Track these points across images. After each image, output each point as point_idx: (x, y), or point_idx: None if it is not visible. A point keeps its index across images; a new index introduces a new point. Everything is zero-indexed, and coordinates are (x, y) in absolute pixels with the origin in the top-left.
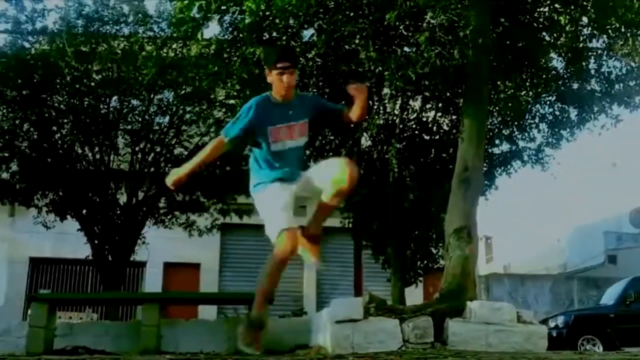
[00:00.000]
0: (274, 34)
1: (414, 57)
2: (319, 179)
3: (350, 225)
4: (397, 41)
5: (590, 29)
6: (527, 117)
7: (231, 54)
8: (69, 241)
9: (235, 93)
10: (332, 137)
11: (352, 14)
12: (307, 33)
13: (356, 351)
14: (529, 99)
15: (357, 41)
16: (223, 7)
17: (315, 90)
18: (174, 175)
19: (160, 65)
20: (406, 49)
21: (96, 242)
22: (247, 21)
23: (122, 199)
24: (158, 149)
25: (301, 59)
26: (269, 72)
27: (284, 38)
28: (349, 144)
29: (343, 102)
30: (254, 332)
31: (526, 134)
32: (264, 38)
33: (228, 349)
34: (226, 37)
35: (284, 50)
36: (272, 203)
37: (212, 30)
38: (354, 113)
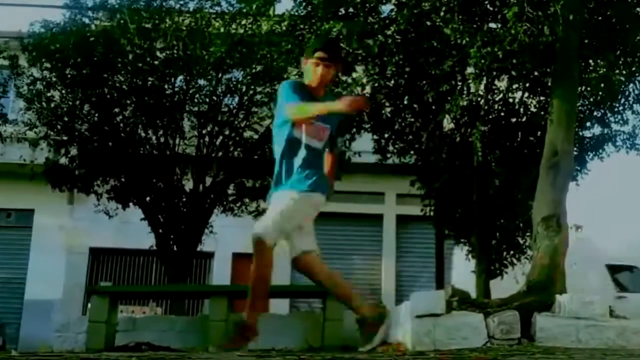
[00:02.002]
0: (351, 9)
1: (501, 34)
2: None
3: (432, 214)
4: (483, 17)
5: None
6: (620, 97)
7: (305, 31)
8: (131, 230)
9: None
10: (412, 120)
11: None
12: (387, 8)
13: (438, 347)
14: (622, 79)
15: (440, 16)
16: None
17: (395, 69)
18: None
19: (228, 43)
20: (492, 25)
21: (160, 231)
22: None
23: (188, 185)
24: (227, 132)
25: (379, 36)
26: (305, 61)
27: (361, 14)
28: (430, 127)
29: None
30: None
31: (619, 116)
32: (340, 13)
33: (301, 345)
34: (300, 12)
35: (328, 42)
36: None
37: (284, 5)
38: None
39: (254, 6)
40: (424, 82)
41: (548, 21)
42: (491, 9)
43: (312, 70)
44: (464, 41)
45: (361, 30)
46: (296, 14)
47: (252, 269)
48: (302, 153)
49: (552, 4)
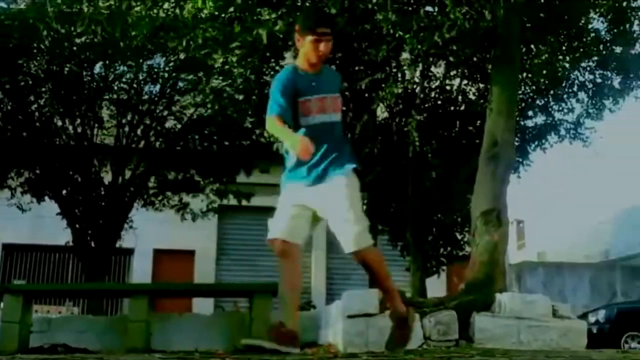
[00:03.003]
0: None
1: (439, 19)
2: (334, 223)
3: (365, 208)
4: (420, 0)
5: None
6: (564, 85)
7: (231, 16)
8: (46, 225)
9: (235, 59)
10: (344, 108)
11: None
12: None
13: (371, 349)
14: (566, 65)
15: (374, 0)
16: None
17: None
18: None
19: (150, 28)
20: (429, 8)
21: (77, 226)
22: None
23: (107, 177)
24: (147, 122)
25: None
26: (300, 38)
27: None
28: (364, 116)
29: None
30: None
31: (563, 105)
32: None
33: (227, 346)
34: None
35: (324, 16)
36: (281, 205)
37: None
38: None
39: None
40: (357, 68)
41: (489, 4)
42: None
43: (311, 48)
44: (396, 31)
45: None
46: None
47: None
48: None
49: None
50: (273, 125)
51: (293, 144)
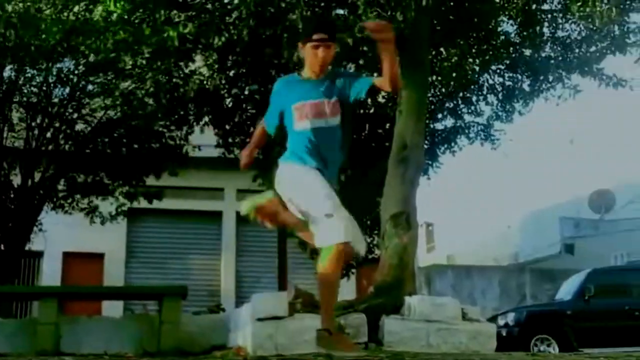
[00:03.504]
0: None
1: (350, 20)
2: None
3: None
4: (331, 3)
5: None
6: (473, 88)
7: (141, 19)
8: None
9: (145, 62)
10: (253, 111)
11: None
12: None
13: (280, 352)
14: (476, 68)
15: (286, 1)
16: None
17: (235, 57)
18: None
19: (61, 31)
20: (340, 10)
21: None
22: None
23: (16, 180)
24: (57, 125)
25: (222, 24)
26: (302, 46)
27: (199, 1)
28: None
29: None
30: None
31: (473, 107)
32: (181, 1)
33: (136, 349)
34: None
35: (321, 22)
36: (314, 182)
37: None
38: (385, 79)
39: None
40: (269, 71)
41: (400, 6)
42: None
43: (311, 54)
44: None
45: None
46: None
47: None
48: (295, 143)
49: None
50: (257, 129)
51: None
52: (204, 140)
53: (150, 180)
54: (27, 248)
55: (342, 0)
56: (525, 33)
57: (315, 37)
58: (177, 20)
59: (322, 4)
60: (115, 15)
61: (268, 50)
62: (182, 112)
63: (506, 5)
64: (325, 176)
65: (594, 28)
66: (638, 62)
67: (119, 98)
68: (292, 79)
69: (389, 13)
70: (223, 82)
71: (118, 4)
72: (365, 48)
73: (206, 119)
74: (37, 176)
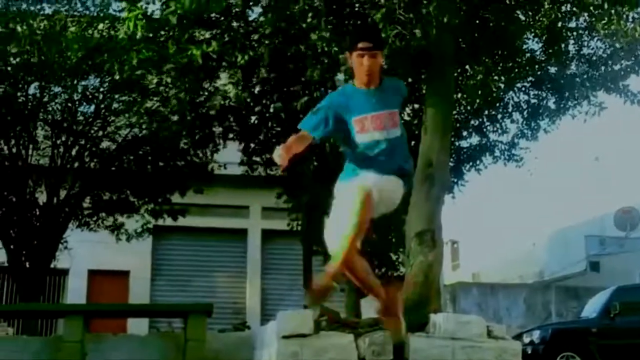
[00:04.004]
0: (215, 14)
1: None
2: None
3: (299, 228)
4: (352, 20)
5: (570, 6)
6: (499, 105)
7: (166, 37)
8: None
9: (169, 80)
10: (278, 128)
11: None
12: (254, 13)
13: None
14: (502, 85)
15: (308, 20)
16: None
17: (261, 75)
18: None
19: (85, 48)
20: None
21: (12, 247)
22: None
23: (42, 198)
24: (82, 142)
25: (246, 42)
26: (349, 56)
27: (224, 20)
28: None
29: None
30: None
31: (498, 125)
32: (204, 19)
33: None
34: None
35: (365, 30)
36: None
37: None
38: None
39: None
40: (293, 88)
41: (420, 23)
42: (361, 11)
43: (358, 64)
44: (332, 50)
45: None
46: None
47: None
48: (356, 157)
49: (425, 5)
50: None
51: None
52: (228, 158)
53: (176, 198)
54: (52, 266)
55: (362, 17)
56: (550, 50)
57: (360, 45)
58: (201, 38)
59: (344, 22)
60: (139, 33)
61: (291, 68)
62: (207, 130)
63: (531, 22)
64: None
65: (619, 46)
66: None
67: (144, 116)
68: (348, 90)
69: (409, 30)
70: (248, 99)
71: (139, 25)
72: (386, 66)
73: (231, 136)
74: (63, 194)
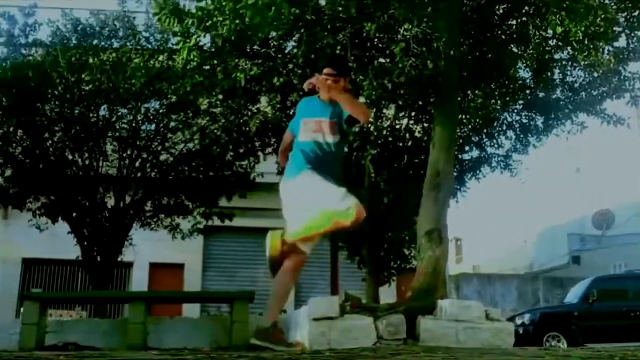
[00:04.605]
0: (256, 47)
1: (389, 67)
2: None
3: None
4: (373, 52)
5: (555, 40)
6: (495, 124)
7: (214, 65)
8: (59, 243)
9: (218, 102)
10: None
11: (330, 26)
12: (289, 45)
13: (332, 347)
14: (498, 107)
15: (336, 52)
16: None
17: (295, 99)
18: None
19: (147, 76)
20: (382, 59)
21: (85, 243)
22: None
23: (110, 202)
24: (144, 155)
25: (282, 70)
26: (317, 76)
27: (264, 50)
28: None
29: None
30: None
31: (495, 141)
32: (247, 50)
33: (211, 345)
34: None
35: (333, 59)
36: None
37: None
38: (352, 115)
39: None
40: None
41: (431, 56)
42: (380, 45)
43: (321, 85)
44: (358, 78)
45: (264, 69)
46: (207, 49)
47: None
48: (297, 153)
49: (435, 41)
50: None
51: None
52: (267, 168)
53: (223, 202)
54: (119, 259)
55: (382, 50)
56: (539, 78)
57: (325, 71)
58: (244, 66)
59: (366, 54)
60: (193, 62)
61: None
62: (249, 145)
63: (523, 54)
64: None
65: (597, 75)
66: (629, 104)
67: (196, 133)
68: (311, 98)
69: (421, 61)
70: (283, 119)
71: (192, 54)
72: (402, 91)
73: (269, 150)
74: (128, 199)
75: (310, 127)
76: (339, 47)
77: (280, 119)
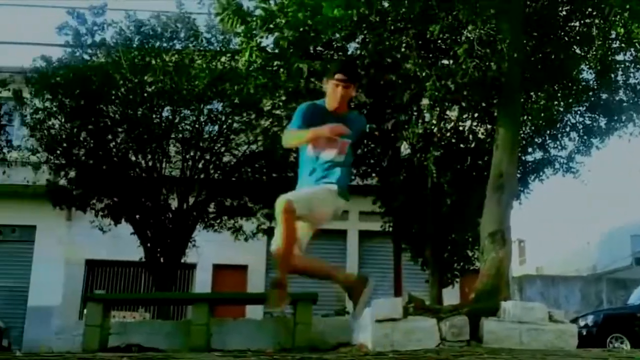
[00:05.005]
0: (319, 47)
1: (453, 69)
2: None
3: (391, 229)
4: (437, 54)
5: (618, 42)
6: (558, 126)
7: (278, 67)
8: (122, 244)
9: (281, 103)
10: (373, 145)
11: (394, 27)
12: (352, 46)
13: (396, 349)
14: (561, 109)
15: (401, 52)
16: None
17: (358, 100)
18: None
19: (210, 77)
20: (445, 61)
21: (149, 245)
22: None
23: (174, 204)
24: (207, 157)
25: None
26: (326, 81)
27: (329, 52)
28: (389, 152)
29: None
30: (277, 291)
31: (558, 142)
32: (310, 52)
33: (274, 346)
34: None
35: (345, 64)
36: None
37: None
38: None
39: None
40: (385, 111)
41: (495, 58)
42: (444, 46)
43: (332, 90)
44: (423, 74)
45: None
46: (271, 51)
47: (281, 234)
48: (306, 164)
49: (499, 42)
50: (290, 134)
51: (318, 132)
52: None
53: None
54: (182, 261)
55: (446, 52)
56: (602, 80)
57: (336, 76)
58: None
59: (430, 55)
60: (256, 63)
61: (384, 93)
62: None
63: (586, 56)
64: None
65: None
66: None
67: (260, 134)
68: (320, 106)
69: (485, 63)
70: None
71: (254, 55)
72: (465, 93)
73: None
74: (191, 200)
75: (320, 143)
76: (403, 48)
77: None
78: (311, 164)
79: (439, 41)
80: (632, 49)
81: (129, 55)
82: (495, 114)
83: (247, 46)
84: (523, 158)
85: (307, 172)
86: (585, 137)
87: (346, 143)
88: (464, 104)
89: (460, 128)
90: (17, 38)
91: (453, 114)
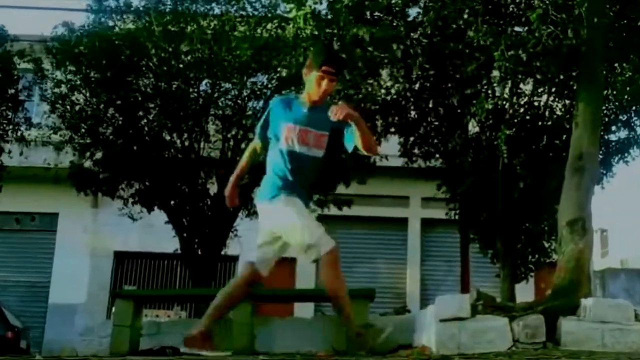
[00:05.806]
0: (377, 13)
1: (525, 37)
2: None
3: (457, 217)
4: (507, 20)
5: None
6: None
7: (331, 35)
8: (155, 234)
9: None
10: (437, 123)
11: None
12: (412, 12)
13: (462, 351)
14: None
15: (465, 18)
16: None
17: (420, 72)
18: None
19: (254, 47)
20: (517, 28)
21: (185, 235)
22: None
23: (213, 189)
24: (251, 136)
25: (406, 40)
26: (308, 72)
27: (388, 17)
28: (456, 130)
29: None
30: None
31: None
32: (366, 17)
33: (326, 348)
34: (326, 16)
35: (334, 55)
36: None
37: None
38: (360, 146)
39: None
40: (449, 85)
41: (572, 24)
42: (515, 12)
43: (316, 83)
44: (488, 42)
45: (385, 35)
46: (323, 17)
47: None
48: (278, 160)
49: (576, 6)
50: (247, 149)
51: (228, 185)
52: (389, 150)
53: (340, 189)
54: (223, 253)
55: (517, 18)
56: None
57: (324, 68)
58: (362, 35)
59: (500, 21)
60: (307, 31)
61: (448, 64)
62: (369, 124)
63: None
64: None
65: None
66: None
67: None
68: (290, 99)
69: (561, 30)
70: (407, 94)
71: (308, 22)
72: (538, 63)
73: (392, 130)
74: None
75: (295, 136)
76: (466, 14)
77: (404, 94)
78: (295, 160)
79: (511, 6)
80: None
81: (161, 20)
82: (575, 87)
83: (300, 12)
84: (606, 137)
85: (291, 166)
86: None
87: (324, 136)
88: (538, 77)
89: (535, 103)
90: (35, 3)
91: (527, 87)
